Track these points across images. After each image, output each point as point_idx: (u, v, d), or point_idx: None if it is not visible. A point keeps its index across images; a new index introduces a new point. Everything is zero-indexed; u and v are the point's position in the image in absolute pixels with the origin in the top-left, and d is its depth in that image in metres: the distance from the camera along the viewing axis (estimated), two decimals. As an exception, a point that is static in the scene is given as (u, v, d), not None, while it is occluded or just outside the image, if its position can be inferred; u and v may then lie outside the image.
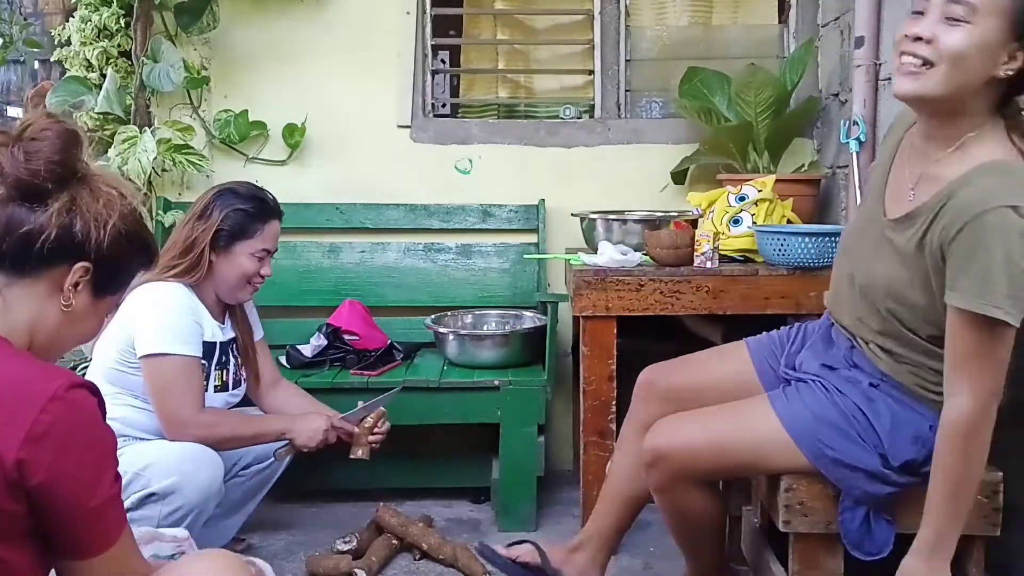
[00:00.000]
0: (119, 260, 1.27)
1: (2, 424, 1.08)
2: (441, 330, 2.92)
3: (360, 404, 2.41)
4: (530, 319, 3.06)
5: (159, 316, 2.14)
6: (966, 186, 1.49)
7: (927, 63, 1.50)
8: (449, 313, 3.09)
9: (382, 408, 2.40)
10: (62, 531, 1.13)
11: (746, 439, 1.72)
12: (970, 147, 1.54)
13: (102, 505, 1.15)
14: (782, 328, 2.01)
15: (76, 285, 1.23)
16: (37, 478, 1.08)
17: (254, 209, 2.26)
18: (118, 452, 2.08)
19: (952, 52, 1.48)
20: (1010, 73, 1.50)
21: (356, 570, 2.38)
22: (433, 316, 3.02)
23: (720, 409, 1.79)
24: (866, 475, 1.65)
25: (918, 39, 1.51)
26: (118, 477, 1.19)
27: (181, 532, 1.58)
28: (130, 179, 2.99)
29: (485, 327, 3.10)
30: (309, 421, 2.30)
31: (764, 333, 2.01)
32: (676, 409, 1.85)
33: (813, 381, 1.76)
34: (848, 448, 1.66)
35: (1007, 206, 1.43)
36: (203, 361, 2.22)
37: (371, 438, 2.36)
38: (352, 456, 2.36)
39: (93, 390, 1.17)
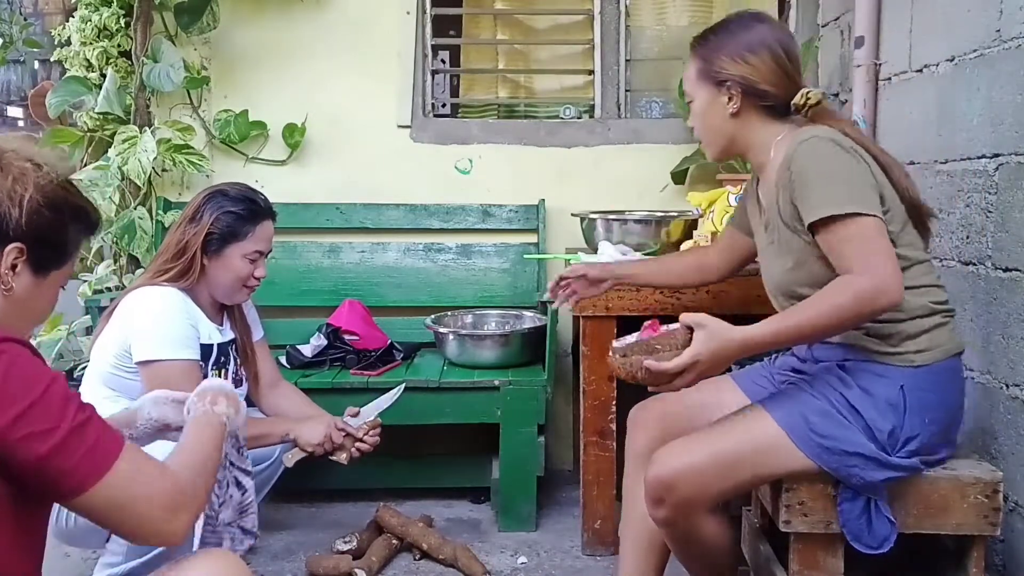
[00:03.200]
0: (51, 233, 1.23)
1: None
2: (441, 330, 2.92)
3: (363, 408, 2.39)
4: (530, 319, 3.06)
5: (154, 322, 2.13)
6: (784, 153, 1.76)
7: (701, 140, 1.95)
8: (449, 313, 3.09)
9: (377, 418, 2.40)
10: (39, 477, 1.11)
11: (748, 448, 1.71)
12: (778, 147, 1.82)
13: (67, 438, 1.12)
14: (756, 362, 2.07)
15: (14, 267, 1.21)
16: None
17: (245, 211, 2.24)
18: None
19: (697, 127, 1.92)
20: (737, 107, 1.82)
21: (356, 570, 2.38)
22: (433, 316, 3.02)
23: (715, 426, 1.77)
24: (862, 459, 1.66)
25: (691, 128, 1.97)
26: (83, 406, 1.15)
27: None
28: (130, 179, 3.00)
29: (485, 327, 3.10)
30: (311, 423, 2.29)
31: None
32: (672, 435, 1.83)
33: (796, 381, 1.83)
34: (839, 433, 1.68)
35: (810, 137, 1.71)
36: (200, 363, 2.22)
37: (357, 444, 2.34)
38: (332, 458, 2.33)
39: (23, 343, 1.14)
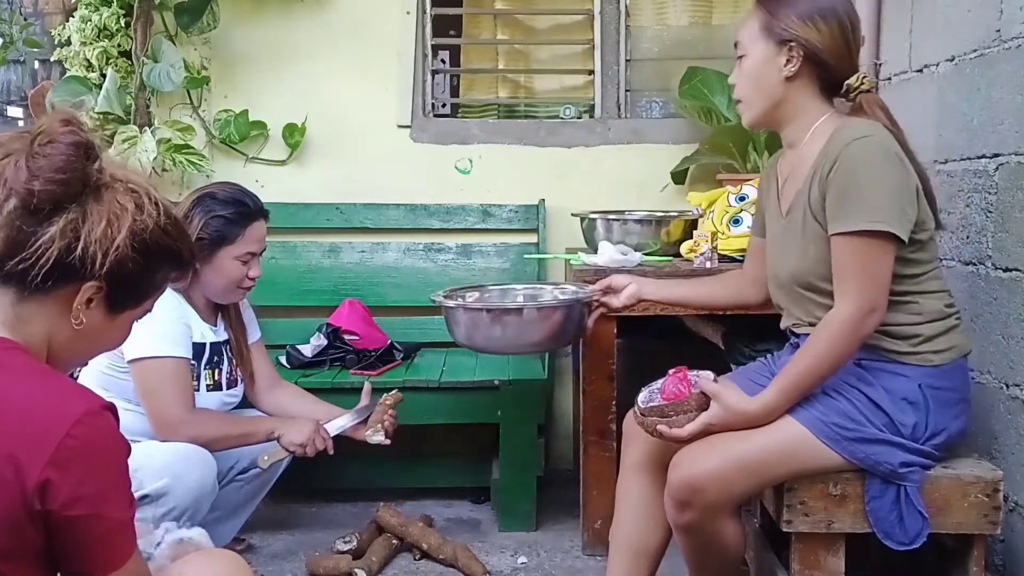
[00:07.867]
0: (134, 276, 1.21)
1: (26, 446, 1.06)
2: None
3: (350, 413, 2.37)
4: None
5: (146, 321, 2.12)
6: (829, 143, 1.70)
7: (739, 100, 1.84)
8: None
9: (398, 393, 2.39)
10: (72, 552, 1.11)
11: (773, 449, 1.70)
12: (819, 131, 1.77)
13: (114, 528, 1.12)
14: (757, 361, 2.05)
15: (89, 302, 1.18)
16: (58, 501, 1.06)
17: (234, 214, 2.21)
18: None
19: (744, 84, 1.81)
20: (794, 71, 1.75)
21: (356, 570, 2.38)
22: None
23: (736, 432, 1.73)
24: (887, 446, 1.67)
25: (732, 86, 1.85)
26: (133, 502, 1.15)
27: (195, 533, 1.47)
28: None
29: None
30: (298, 423, 2.28)
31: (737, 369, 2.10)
32: (669, 445, 1.80)
33: None
34: (861, 426, 1.69)
35: (862, 137, 1.66)
36: (193, 362, 2.22)
37: (386, 418, 2.33)
38: (371, 440, 2.31)
39: (114, 411, 1.15)
